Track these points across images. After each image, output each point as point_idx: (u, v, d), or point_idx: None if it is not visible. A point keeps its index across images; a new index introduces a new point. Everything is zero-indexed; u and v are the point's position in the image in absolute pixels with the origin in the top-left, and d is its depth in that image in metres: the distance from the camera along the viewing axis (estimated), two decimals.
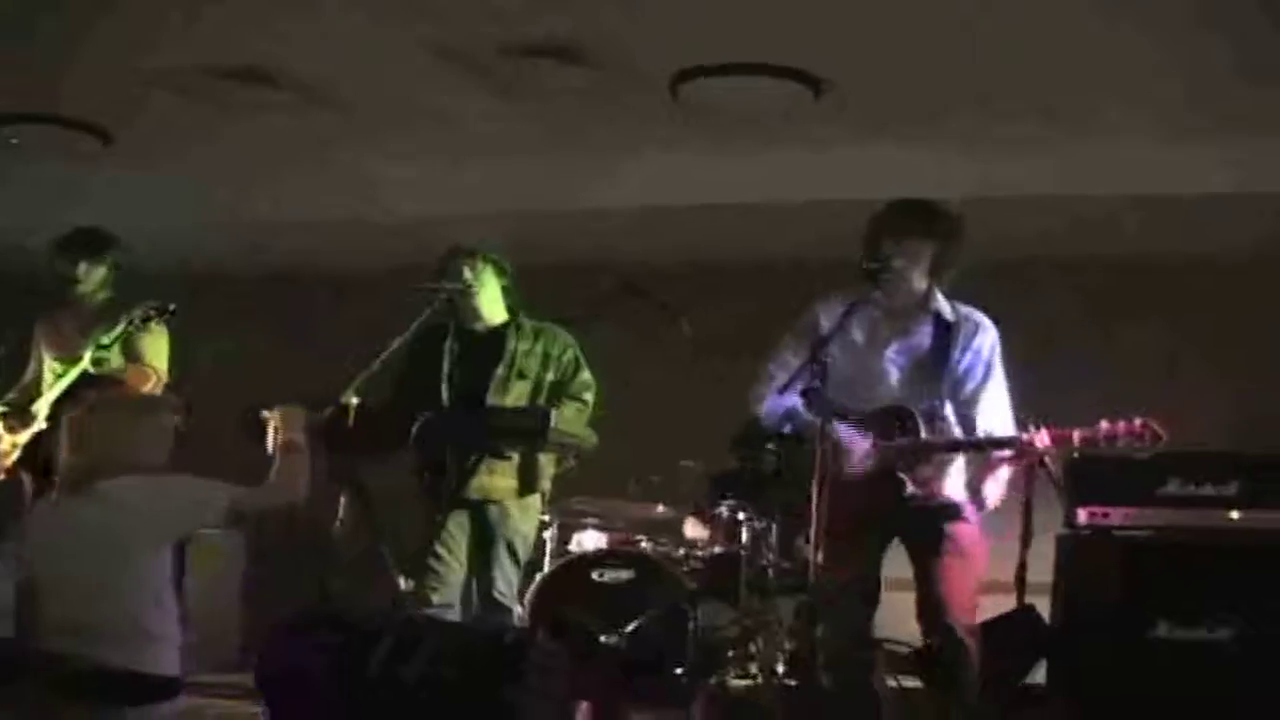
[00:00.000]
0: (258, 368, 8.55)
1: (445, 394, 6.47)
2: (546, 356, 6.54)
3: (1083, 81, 7.15)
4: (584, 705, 5.22)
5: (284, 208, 9.42)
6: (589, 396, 6.50)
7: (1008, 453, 5.51)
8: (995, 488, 5.59)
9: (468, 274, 6.47)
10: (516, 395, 6.46)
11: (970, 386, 5.55)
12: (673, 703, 6.97)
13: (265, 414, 5.06)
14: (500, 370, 6.48)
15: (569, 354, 6.57)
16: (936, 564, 5.49)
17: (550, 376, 6.51)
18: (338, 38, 7.02)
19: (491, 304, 6.61)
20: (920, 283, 5.60)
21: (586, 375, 6.56)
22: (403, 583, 6.04)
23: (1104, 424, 5.29)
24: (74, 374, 6.83)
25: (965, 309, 5.65)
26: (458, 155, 8.65)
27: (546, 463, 6.54)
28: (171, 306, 6.83)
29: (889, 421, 5.51)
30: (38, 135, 8.48)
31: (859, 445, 5.44)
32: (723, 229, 9.22)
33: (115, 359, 7.00)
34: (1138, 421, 5.27)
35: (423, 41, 7.01)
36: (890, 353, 5.60)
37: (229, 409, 5.63)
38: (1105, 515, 6.04)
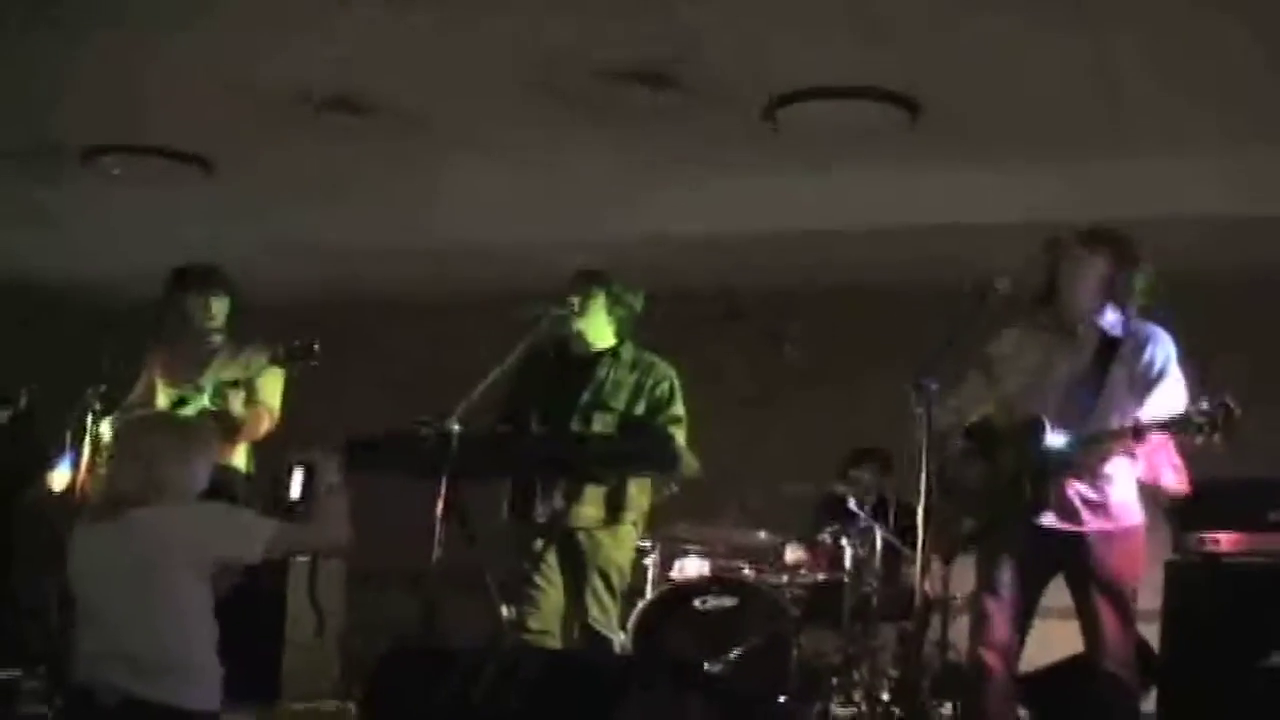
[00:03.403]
0: (346, 394, 8.57)
1: (535, 419, 6.41)
2: (639, 388, 6.40)
3: (1173, 106, 7.08)
4: None
5: (366, 234, 9.48)
6: (675, 430, 6.35)
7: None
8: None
9: (574, 298, 6.41)
10: (600, 426, 6.34)
11: (1131, 398, 5.43)
12: None
13: (297, 459, 4.97)
14: (586, 398, 6.39)
15: (663, 387, 6.41)
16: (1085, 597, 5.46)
17: (640, 409, 6.37)
18: (429, 63, 7.05)
19: (596, 330, 6.49)
20: (1089, 303, 5.55)
21: (677, 410, 6.40)
22: (505, 610, 6.02)
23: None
24: (194, 408, 6.84)
25: (1139, 325, 5.55)
26: (546, 181, 8.66)
27: (637, 492, 6.40)
28: (315, 345, 6.73)
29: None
30: (139, 165, 8.59)
31: None
32: (818, 254, 9.17)
33: (233, 394, 7.04)
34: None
35: (515, 65, 7.02)
36: (1057, 374, 5.55)
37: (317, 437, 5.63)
38: (1215, 542, 5.97)
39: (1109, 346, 5.50)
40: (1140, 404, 5.38)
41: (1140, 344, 5.49)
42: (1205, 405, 5.03)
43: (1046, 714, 6.81)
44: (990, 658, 5.52)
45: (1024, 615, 5.56)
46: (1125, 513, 5.47)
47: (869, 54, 6.76)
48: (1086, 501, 5.43)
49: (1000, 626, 5.52)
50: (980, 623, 5.57)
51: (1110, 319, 5.53)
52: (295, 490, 4.91)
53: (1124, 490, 5.46)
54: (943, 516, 5.69)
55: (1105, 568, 5.42)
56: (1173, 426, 5.11)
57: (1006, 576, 5.52)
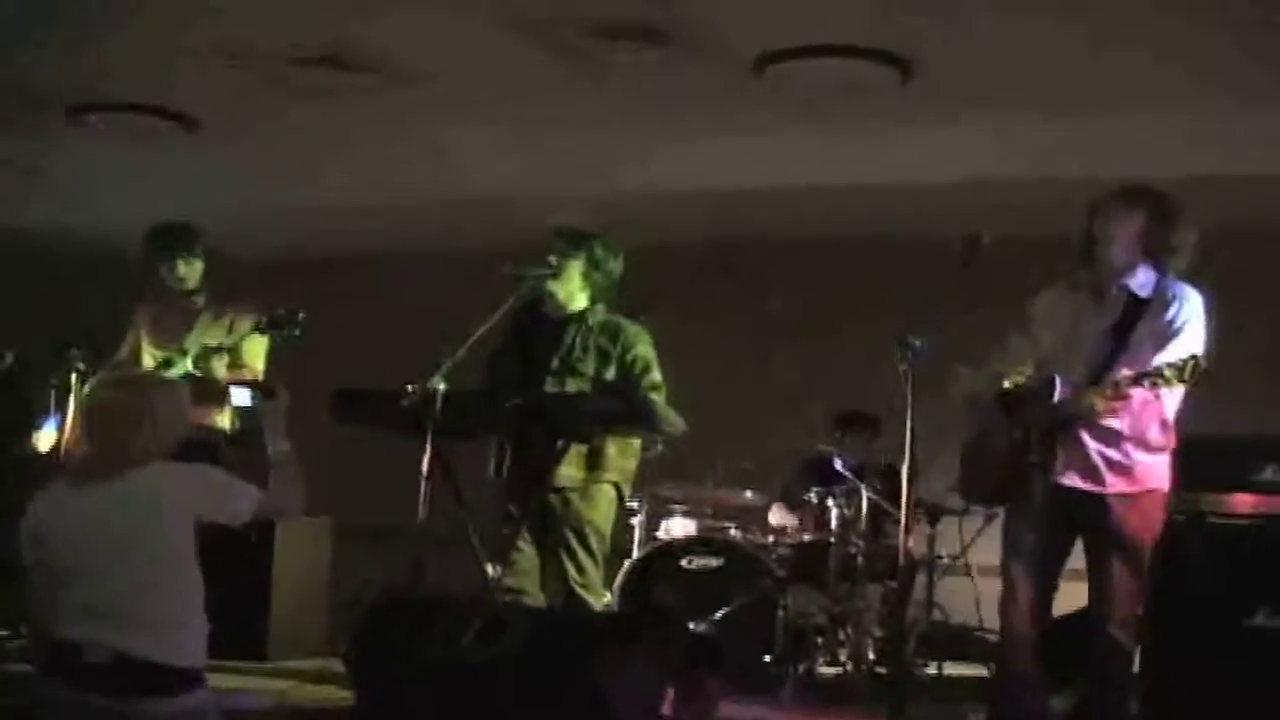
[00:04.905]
0: (338, 349, 8.53)
1: (510, 379, 6.33)
2: (606, 354, 6.29)
3: (1162, 64, 7.07)
4: (672, 692, 5.17)
5: (358, 191, 9.46)
6: (655, 397, 6.23)
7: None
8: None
9: (552, 258, 6.36)
10: (572, 390, 6.25)
11: (1146, 357, 5.32)
12: (761, 690, 6.95)
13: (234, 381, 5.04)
14: (556, 362, 6.31)
15: (635, 353, 6.28)
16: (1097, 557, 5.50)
17: (610, 374, 6.27)
18: (419, 17, 7.00)
19: (570, 291, 6.38)
20: (1122, 260, 5.53)
21: (654, 376, 6.28)
22: (490, 568, 6.02)
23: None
24: (178, 372, 6.84)
25: (1171, 284, 5.52)
26: (537, 135, 8.63)
27: (616, 452, 6.29)
28: (300, 315, 6.77)
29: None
30: (123, 122, 8.56)
31: None
32: (808, 209, 9.16)
33: (216, 359, 7.03)
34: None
35: (504, 21, 6.98)
36: (1085, 330, 5.55)
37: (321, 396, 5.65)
38: (1207, 500, 5.96)
39: (1137, 306, 5.49)
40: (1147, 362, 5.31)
41: (1166, 302, 5.46)
42: (1175, 359, 5.04)
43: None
44: (1018, 621, 5.57)
45: (1049, 577, 5.61)
46: (1149, 475, 5.46)
47: (861, 10, 6.73)
48: (1110, 463, 5.42)
49: (1025, 590, 5.56)
50: (1006, 588, 5.62)
51: (1142, 279, 5.52)
52: (243, 400, 5.01)
53: (1149, 452, 5.46)
54: (971, 472, 5.75)
55: (1125, 529, 5.42)
56: (1142, 379, 5.09)
57: (1029, 541, 5.56)
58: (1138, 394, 5.17)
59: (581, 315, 6.38)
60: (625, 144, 8.54)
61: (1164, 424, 5.43)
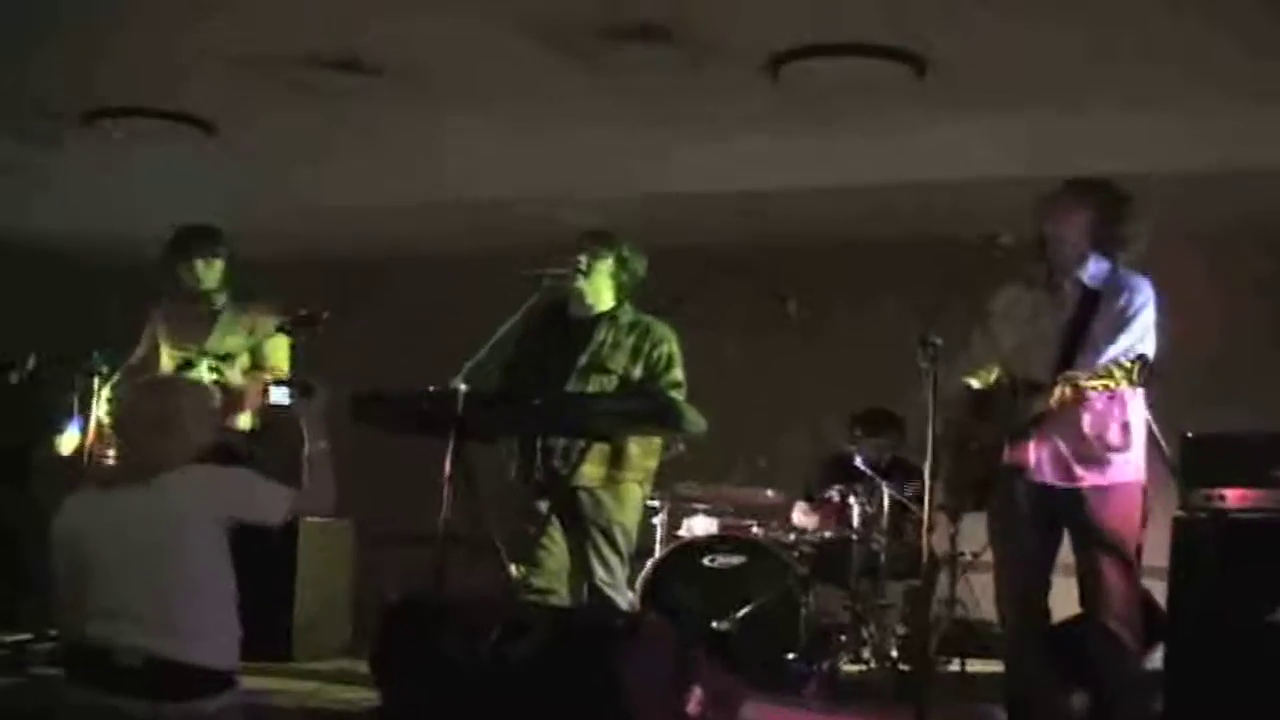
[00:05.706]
0: (352, 351, 8.56)
1: (537, 379, 6.36)
2: (636, 351, 6.34)
3: (1169, 59, 7.07)
4: (695, 690, 5.18)
5: (370, 192, 9.49)
6: (675, 394, 6.27)
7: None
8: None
9: (581, 259, 6.39)
10: (598, 388, 6.29)
11: (1102, 348, 5.37)
12: (785, 688, 6.95)
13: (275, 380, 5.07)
14: (584, 359, 6.34)
15: (661, 350, 6.34)
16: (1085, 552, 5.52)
17: (638, 372, 6.32)
18: (435, 21, 7.03)
19: (598, 291, 6.43)
20: (1072, 254, 5.55)
21: (676, 374, 6.33)
22: (513, 569, 6.03)
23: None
24: (198, 373, 6.87)
25: (1123, 276, 5.55)
26: (552, 138, 8.64)
27: (640, 452, 6.34)
28: (325, 314, 6.79)
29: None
30: (142, 128, 8.60)
31: None
32: (822, 209, 9.16)
33: (227, 367, 7.06)
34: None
35: (515, 22, 7.00)
36: (1044, 324, 5.57)
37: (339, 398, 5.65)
38: (1222, 497, 5.95)
39: (1091, 298, 5.51)
40: (1103, 355, 5.34)
41: (1119, 291, 5.48)
42: (1123, 358, 5.05)
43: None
44: (1016, 622, 5.62)
45: (1038, 576, 5.63)
46: (1121, 468, 5.47)
47: (872, 8, 6.73)
48: (1080, 457, 5.45)
49: (1018, 591, 5.62)
50: (999, 589, 5.68)
51: (1094, 270, 5.54)
52: (281, 398, 5.06)
53: (1120, 446, 5.47)
54: (953, 475, 5.75)
55: (1103, 523, 5.45)
56: (1095, 378, 5.10)
57: (1014, 542, 5.61)
58: (1094, 395, 5.19)
59: (612, 314, 6.43)
60: (640, 145, 8.54)
61: (1125, 426, 5.47)
